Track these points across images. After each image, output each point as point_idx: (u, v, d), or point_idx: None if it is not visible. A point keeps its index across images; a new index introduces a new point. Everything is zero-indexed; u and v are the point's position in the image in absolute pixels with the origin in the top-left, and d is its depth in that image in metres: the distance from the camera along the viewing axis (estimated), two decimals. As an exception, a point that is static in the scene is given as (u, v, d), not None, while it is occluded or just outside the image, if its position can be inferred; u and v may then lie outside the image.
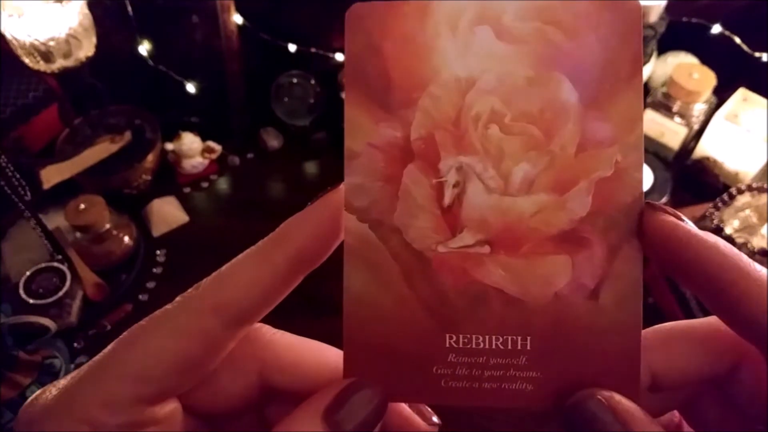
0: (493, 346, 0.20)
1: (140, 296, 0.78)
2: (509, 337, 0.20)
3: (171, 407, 0.19)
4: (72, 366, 0.70)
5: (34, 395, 0.18)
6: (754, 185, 0.74)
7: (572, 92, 0.20)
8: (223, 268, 0.20)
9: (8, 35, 0.72)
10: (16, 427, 0.18)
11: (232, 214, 0.90)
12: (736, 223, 0.72)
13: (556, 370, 0.20)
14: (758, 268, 0.18)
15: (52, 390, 0.18)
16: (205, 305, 0.19)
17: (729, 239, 0.71)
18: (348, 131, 0.20)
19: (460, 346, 0.20)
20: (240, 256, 0.20)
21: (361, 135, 0.20)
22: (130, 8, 0.85)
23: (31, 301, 0.72)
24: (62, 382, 0.18)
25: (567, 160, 0.20)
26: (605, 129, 0.20)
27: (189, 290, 0.19)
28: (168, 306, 0.19)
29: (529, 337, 0.20)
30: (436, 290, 0.20)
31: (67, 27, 0.73)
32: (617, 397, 0.19)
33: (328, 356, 0.21)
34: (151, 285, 0.79)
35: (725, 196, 0.74)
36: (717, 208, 0.74)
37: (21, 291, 0.72)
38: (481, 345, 0.20)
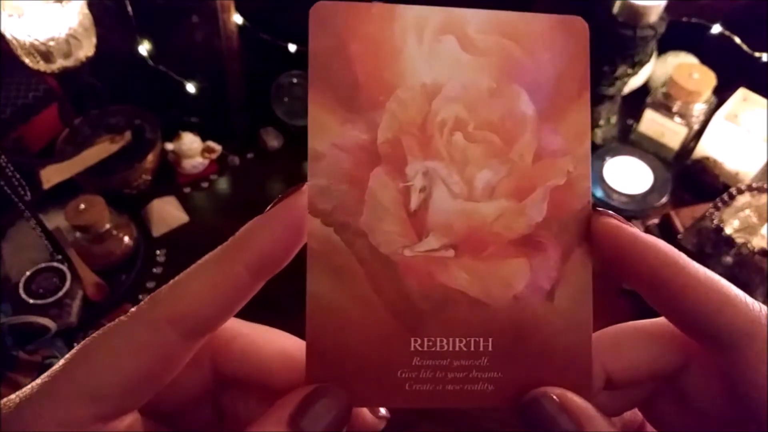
0: (457, 348, 0.20)
1: (140, 296, 0.78)
2: (472, 339, 0.20)
3: (130, 419, 0.19)
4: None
5: None
6: (754, 185, 0.74)
7: (529, 104, 0.21)
8: (180, 276, 0.19)
9: (8, 35, 0.72)
10: None
11: (232, 214, 0.90)
12: (736, 223, 0.72)
13: (516, 370, 0.20)
14: (695, 265, 0.19)
15: (5, 410, 0.17)
16: (160, 317, 0.18)
17: (729, 239, 0.71)
18: (312, 131, 0.20)
19: (425, 349, 0.20)
20: (198, 263, 0.19)
21: (326, 135, 0.20)
22: (130, 8, 0.85)
23: (31, 301, 0.72)
24: (14, 400, 0.17)
25: (525, 168, 0.21)
26: (558, 141, 0.21)
27: (144, 301, 0.19)
28: (123, 318, 0.18)
29: (490, 339, 0.20)
30: (401, 294, 0.20)
31: (67, 27, 0.73)
32: (569, 395, 0.19)
33: (280, 342, 0.21)
34: (151, 285, 0.79)
35: (725, 196, 0.74)
36: (717, 208, 0.74)
37: (21, 291, 0.72)
38: (445, 347, 0.20)
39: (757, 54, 0.89)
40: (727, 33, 0.89)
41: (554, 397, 0.19)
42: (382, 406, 0.21)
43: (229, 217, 0.90)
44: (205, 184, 0.92)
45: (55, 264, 0.75)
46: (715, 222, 0.73)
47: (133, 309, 0.19)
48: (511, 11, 0.21)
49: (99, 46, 0.78)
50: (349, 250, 0.20)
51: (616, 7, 0.79)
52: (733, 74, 0.87)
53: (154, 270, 0.81)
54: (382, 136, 0.20)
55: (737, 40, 0.89)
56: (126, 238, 0.81)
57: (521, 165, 0.21)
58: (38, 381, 0.17)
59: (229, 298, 0.19)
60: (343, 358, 0.20)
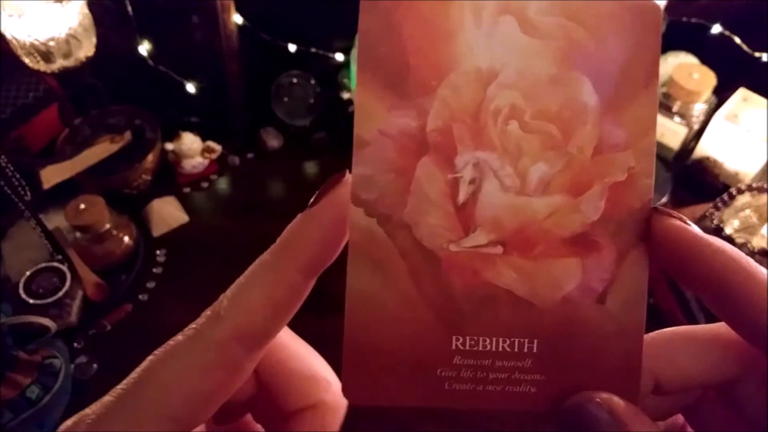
0: (500, 349, 0.20)
1: (140, 296, 0.78)
2: (516, 340, 0.20)
3: None
4: (72, 366, 0.70)
5: (64, 426, 0.18)
6: (754, 185, 0.74)
7: (592, 94, 0.19)
8: (237, 287, 0.19)
9: (8, 35, 0.72)
10: None
11: (232, 214, 0.90)
12: (736, 223, 0.72)
13: (560, 374, 0.20)
14: (764, 272, 0.18)
15: (80, 425, 0.17)
16: (226, 334, 0.18)
17: (729, 239, 0.71)
18: (358, 117, 0.19)
19: (467, 348, 0.19)
20: (251, 271, 0.19)
21: (372, 122, 0.19)
22: (130, 8, 0.85)
23: (31, 301, 0.72)
24: (89, 415, 0.17)
25: (583, 163, 0.19)
26: (620, 134, 0.19)
27: (206, 316, 0.18)
28: (189, 333, 0.18)
29: (536, 340, 0.20)
30: (444, 291, 0.19)
31: (67, 27, 0.73)
32: (616, 399, 0.19)
33: (315, 365, 0.21)
34: (151, 285, 0.79)
35: (725, 196, 0.74)
36: (717, 208, 0.74)
37: (21, 291, 0.72)
38: (488, 347, 0.20)
39: (757, 54, 0.89)
40: (727, 33, 0.89)
41: (601, 401, 0.19)
42: (420, 405, 0.20)
43: (229, 217, 0.90)
44: (205, 184, 0.92)
45: (55, 264, 0.75)
46: (715, 222, 0.73)
47: (196, 325, 0.18)
48: None
49: (99, 46, 0.78)
50: (392, 243, 0.19)
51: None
52: (733, 74, 0.87)
53: (154, 270, 0.81)
54: (432, 123, 0.19)
55: (737, 40, 0.89)
56: (126, 238, 0.81)
57: (579, 159, 0.19)
58: (113, 397, 0.18)
59: (286, 305, 0.19)
60: (381, 353, 0.19)
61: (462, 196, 0.19)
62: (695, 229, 0.19)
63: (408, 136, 0.19)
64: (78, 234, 0.78)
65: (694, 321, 0.70)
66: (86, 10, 0.75)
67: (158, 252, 0.83)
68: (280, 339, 0.21)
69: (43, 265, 0.75)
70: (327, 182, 0.19)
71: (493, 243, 0.19)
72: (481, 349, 0.20)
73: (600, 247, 0.19)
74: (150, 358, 0.18)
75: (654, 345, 0.20)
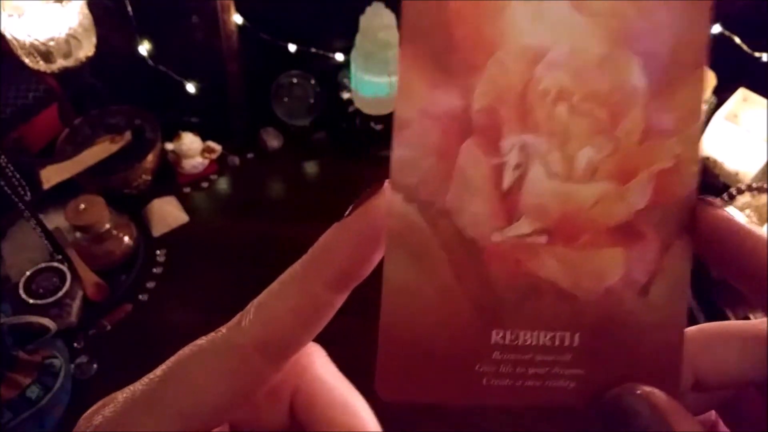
0: (540, 343, 0.19)
1: (140, 296, 0.78)
2: (557, 333, 0.19)
3: None
4: (72, 366, 0.70)
5: (89, 414, 0.18)
6: (754, 185, 0.74)
7: (642, 76, 0.18)
8: (263, 297, 0.18)
9: (8, 35, 0.72)
10: None
11: (232, 214, 0.90)
12: (736, 223, 0.72)
13: (600, 367, 0.19)
14: None
15: (106, 412, 0.18)
16: (249, 343, 0.18)
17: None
18: (400, 95, 0.18)
19: (507, 342, 0.19)
20: (279, 281, 0.18)
21: (415, 101, 0.18)
22: (130, 8, 0.85)
23: (31, 301, 0.72)
24: (112, 408, 0.18)
25: (630, 148, 0.19)
26: (668, 119, 0.19)
27: (231, 323, 0.18)
28: (214, 337, 0.18)
29: (577, 333, 0.19)
30: (484, 282, 0.18)
31: (67, 27, 0.73)
32: (657, 392, 0.18)
33: (356, 406, 0.20)
34: (151, 285, 0.79)
35: (725, 196, 0.74)
36: (717, 208, 0.74)
37: (21, 291, 0.72)
38: (529, 341, 0.19)
39: (757, 54, 0.89)
40: (727, 33, 0.89)
41: (642, 394, 0.18)
42: (456, 402, 0.20)
43: (229, 217, 0.90)
44: (205, 184, 0.92)
45: (55, 264, 0.75)
46: (715, 222, 0.73)
47: (220, 331, 0.18)
48: None
49: (99, 46, 0.78)
50: (432, 231, 0.18)
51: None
52: (733, 74, 0.87)
53: (154, 270, 0.81)
54: (477, 103, 0.18)
55: (737, 40, 0.89)
56: (126, 238, 0.81)
57: (627, 144, 0.18)
58: (138, 393, 0.18)
59: (311, 320, 0.18)
60: (417, 348, 0.18)
61: (507, 182, 0.18)
62: (744, 221, 0.18)
63: (451, 117, 0.18)
64: (78, 234, 0.78)
65: (693, 321, 0.70)
66: (86, 10, 0.76)
67: (158, 252, 0.83)
68: (321, 376, 0.20)
69: (43, 265, 0.75)
70: (364, 193, 0.18)
71: (538, 232, 0.19)
72: (521, 343, 0.19)
73: (644, 237, 0.19)
74: (175, 357, 0.18)
75: (694, 340, 0.19)
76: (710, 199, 0.19)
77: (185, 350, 0.18)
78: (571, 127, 0.18)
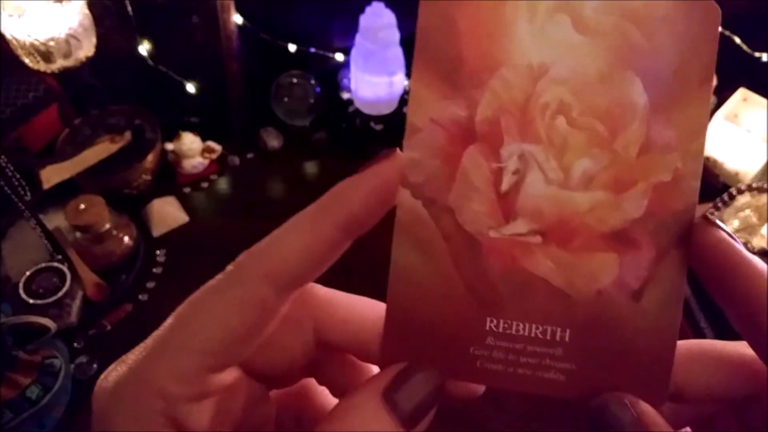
0: (532, 334, 0.20)
1: (140, 296, 0.78)
2: (549, 327, 0.20)
3: (234, 374, 0.20)
4: (72, 366, 0.70)
5: (106, 371, 0.19)
6: (754, 185, 0.74)
7: (642, 94, 0.19)
8: (273, 234, 0.20)
9: (8, 35, 0.72)
10: (93, 403, 0.19)
11: (232, 214, 0.90)
12: (736, 223, 0.72)
13: (591, 365, 0.20)
14: None
15: (122, 366, 0.19)
16: (256, 274, 0.19)
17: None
18: (411, 105, 0.20)
19: (500, 330, 0.20)
20: (290, 222, 0.20)
21: (425, 110, 0.20)
22: (130, 8, 0.85)
23: (31, 301, 0.72)
24: (131, 358, 0.19)
25: (628, 161, 0.20)
26: (669, 134, 0.20)
27: (240, 257, 0.20)
28: (221, 276, 0.19)
29: (568, 330, 0.20)
30: (481, 273, 0.20)
31: (67, 27, 0.73)
32: (643, 404, 0.19)
33: (375, 310, 0.21)
34: (151, 285, 0.79)
35: (725, 196, 0.74)
36: (717, 208, 0.74)
37: (21, 291, 0.72)
38: (521, 331, 0.20)
39: (757, 54, 0.89)
40: (727, 33, 0.89)
41: (628, 404, 0.19)
42: (452, 378, 0.21)
43: (229, 217, 0.90)
44: (205, 184, 0.92)
45: (55, 264, 0.75)
46: (715, 222, 0.73)
47: (230, 266, 0.20)
48: None
49: (99, 46, 0.78)
50: (435, 224, 0.20)
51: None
52: (733, 74, 0.87)
53: (154, 270, 0.81)
54: (481, 113, 0.20)
55: (737, 40, 0.89)
56: (126, 238, 0.81)
57: (624, 157, 0.20)
58: (151, 339, 0.19)
59: (319, 255, 0.19)
60: (418, 327, 0.20)
61: (505, 185, 0.20)
62: (740, 246, 0.19)
63: (457, 125, 0.20)
64: (78, 234, 0.78)
65: (694, 322, 0.70)
66: (86, 10, 0.76)
67: (158, 252, 0.83)
68: (340, 300, 0.22)
69: (43, 265, 0.75)
70: (377, 155, 0.20)
71: (533, 232, 0.20)
72: (514, 332, 0.20)
73: (639, 245, 0.20)
74: (184, 302, 0.19)
75: (680, 353, 0.20)
76: (712, 219, 0.19)
77: (195, 293, 0.19)
78: (569, 138, 0.20)
